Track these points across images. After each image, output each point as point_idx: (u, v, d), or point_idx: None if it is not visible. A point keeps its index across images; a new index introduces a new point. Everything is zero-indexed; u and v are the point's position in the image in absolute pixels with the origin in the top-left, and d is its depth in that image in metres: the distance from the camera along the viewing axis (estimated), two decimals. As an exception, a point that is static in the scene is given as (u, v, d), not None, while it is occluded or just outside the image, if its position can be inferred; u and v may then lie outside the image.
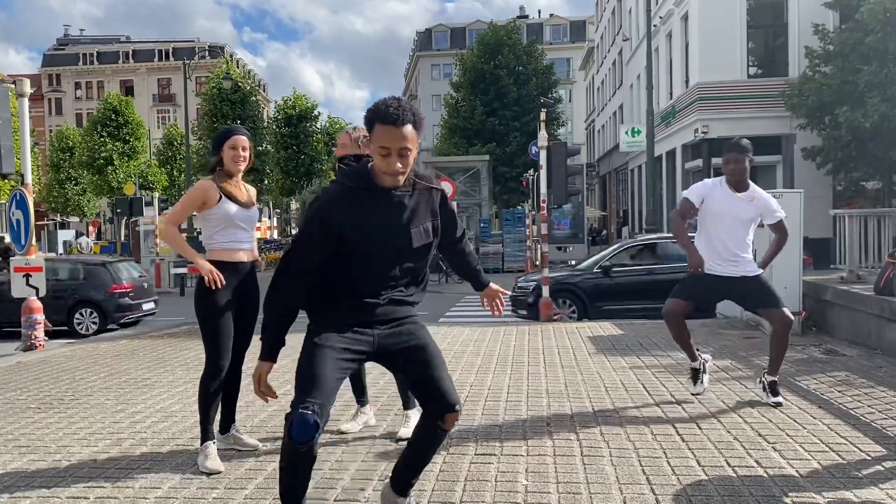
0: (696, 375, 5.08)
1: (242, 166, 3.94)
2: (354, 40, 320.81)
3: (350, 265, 2.67)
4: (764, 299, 4.80)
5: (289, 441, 2.55)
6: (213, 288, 3.75)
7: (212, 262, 3.82)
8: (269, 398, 2.71)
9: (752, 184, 4.86)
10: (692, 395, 5.06)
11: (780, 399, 4.80)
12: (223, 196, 3.86)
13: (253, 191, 4.11)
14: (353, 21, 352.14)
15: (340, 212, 2.62)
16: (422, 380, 2.77)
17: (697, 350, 5.08)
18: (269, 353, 2.68)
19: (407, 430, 4.16)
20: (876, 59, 16.09)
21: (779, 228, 4.99)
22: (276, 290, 2.69)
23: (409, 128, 2.54)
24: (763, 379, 4.94)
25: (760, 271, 4.86)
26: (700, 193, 4.90)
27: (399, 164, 2.57)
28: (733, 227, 4.78)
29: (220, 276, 3.77)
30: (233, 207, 3.88)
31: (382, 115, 2.53)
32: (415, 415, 4.08)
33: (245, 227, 3.94)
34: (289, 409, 2.58)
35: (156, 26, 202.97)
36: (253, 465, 3.82)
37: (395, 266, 2.72)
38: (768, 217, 4.88)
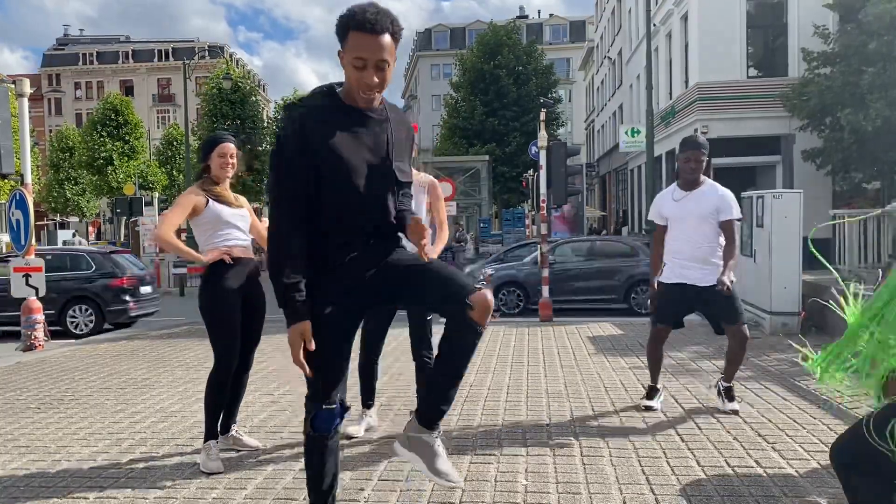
0: (651, 393, 4.91)
1: (230, 173, 3.97)
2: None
3: (330, 199, 2.38)
4: (725, 314, 4.66)
5: (312, 433, 2.46)
6: (222, 274, 3.78)
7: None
8: (305, 370, 2.37)
9: (707, 179, 4.72)
10: (642, 406, 4.84)
11: (735, 406, 4.69)
12: (210, 199, 3.87)
13: (243, 199, 4.12)
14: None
15: (314, 129, 2.33)
16: (432, 286, 2.42)
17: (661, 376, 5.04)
18: (301, 313, 2.32)
19: (358, 428, 4.26)
20: (880, 62, 16.07)
21: (727, 229, 4.60)
22: (277, 230, 2.37)
23: (387, 37, 2.28)
24: (719, 384, 4.84)
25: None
26: (657, 209, 4.88)
27: (376, 79, 2.30)
28: (698, 227, 4.61)
29: (229, 252, 3.82)
30: (221, 207, 3.90)
31: (359, 22, 2.25)
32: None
33: (237, 224, 3.94)
34: (307, 399, 2.46)
35: (150, 25, 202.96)
36: (253, 466, 3.82)
37: (379, 200, 2.44)
38: (723, 213, 4.60)
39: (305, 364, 2.35)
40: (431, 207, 4.12)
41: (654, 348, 4.91)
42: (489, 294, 2.37)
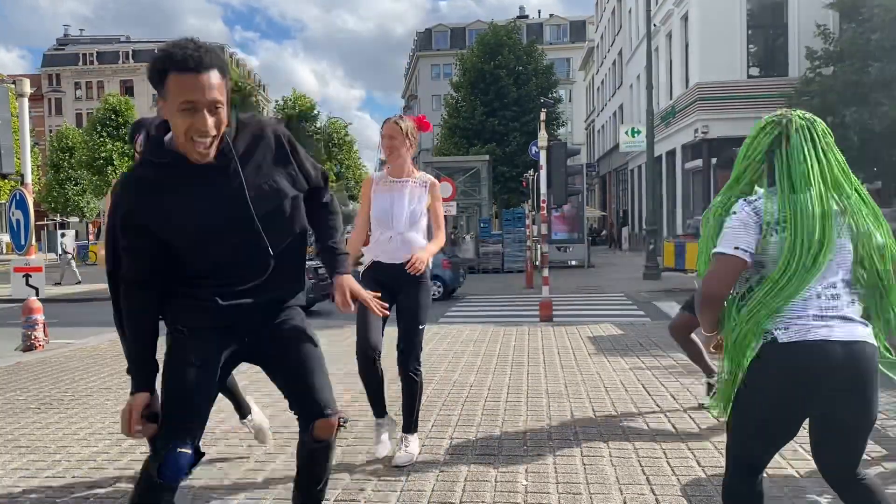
0: (710, 388, 4.85)
1: None
2: (347, 39, 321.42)
3: (186, 267, 2.17)
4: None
5: (153, 480, 2.13)
6: None
7: None
8: (136, 436, 2.15)
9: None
10: (700, 405, 4.85)
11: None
12: None
13: None
14: (345, 19, 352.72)
15: (143, 207, 2.08)
16: (294, 386, 2.36)
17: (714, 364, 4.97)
18: (145, 383, 2.17)
19: (383, 448, 3.88)
20: (885, 56, 16.03)
21: None
22: (121, 314, 2.19)
23: (215, 74, 1.98)
24: (707, 381, 4.88)
25: None
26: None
27: (210, 122, 1.99)
28: None
29: None
30: None
31: (179, 61, 1.94)
32: (414, 440, 3.92)
33: None
34: (154, 443, 2.16)
35: (146, 25, 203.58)
36: (253, 466, 3.82)
37: (243, 252, 2.17)
38: None
39: (135, 433, 2.13)
40: (429, 208, 3.93)
41: (680, 340, 4.82)
42: (334, 421, 2.37)
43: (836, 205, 2.13)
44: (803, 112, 2.26)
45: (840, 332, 2.07)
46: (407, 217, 3.78)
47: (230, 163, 2.10)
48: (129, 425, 2.10)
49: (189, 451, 2.14)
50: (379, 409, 3.91)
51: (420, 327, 3.83)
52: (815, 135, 2.18)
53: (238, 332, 2.28)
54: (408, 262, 3.60)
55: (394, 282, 3.76)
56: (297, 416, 2.38)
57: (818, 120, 2.24)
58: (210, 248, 2.13)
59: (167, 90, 1.98)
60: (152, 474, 2.13)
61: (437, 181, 3.97)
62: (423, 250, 3.69)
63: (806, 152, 2.15)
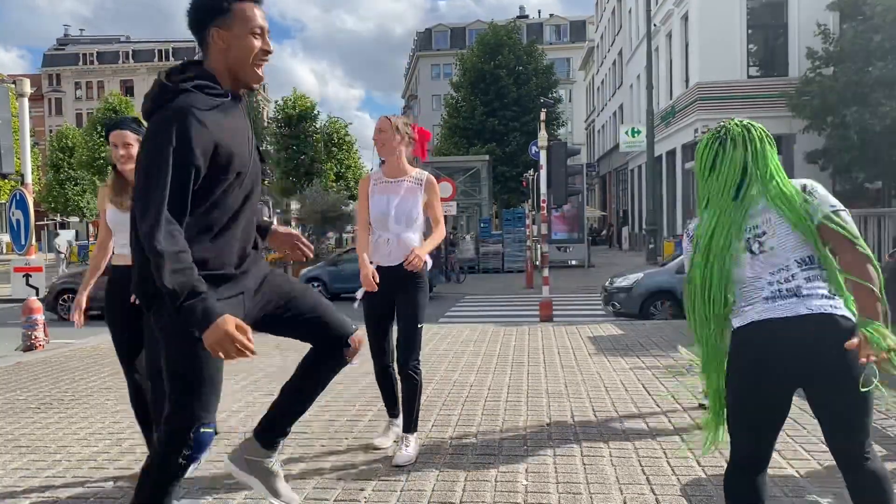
0: None
1: (124, 166, 3.54)
2: (347, 39, 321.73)
3: (214, 220, 2.14)
4: None
5: (184, 456, 2.14)
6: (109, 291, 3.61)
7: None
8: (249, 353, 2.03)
9: None
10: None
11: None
12: (109, 200, 3.64)
13: None
14: (344, 19, 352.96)
15: (214, 127, 2.08)
16: (311, 319, 2.45)
17: None
18: (217, 309, 2.00)
19: (385, 440, 4.05)
20: (887, 56, 16.01)
21: None
22: (167, 254, 1.97)
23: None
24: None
25: None
26: None
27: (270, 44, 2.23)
28: None
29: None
30: (110, 211, 3.62)
31: None
32: (414, 439, 3.89)
33: (122, 229, 3.54)
34: (186, 419, 2.14)
35: (145, 25, 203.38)
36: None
37: (253, 199, 2.28)
38: None
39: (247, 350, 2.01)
40: (427, 205, 3.88)
41: None
42: (364, 335, 2.51)
43: (761, 201, 2.19)
44: (741, 120, 2.34)
45: (784, 309, 2.12)
46: (403, 218, 3.78)
47: (241, 102, 2.27)
48: (245, 343, 1.99)
49: (212, 431, 2.19)
50: (393, 410, 4.08)
51: (418, 326, 3.83)
52: (747, 140, 2.25)
53: (246, 300, 2.28)
54: (405, 261, 3.63)
55: (393, 283, 3.77)
56: (320, 347, 2.51)
57: (756, 125, 2.30)
58: (241, 189, 2.18)
59: (235, 18, 2.13)
60: (175, 453, 2.13)
61: (433, 177, 3.91)
62: (421, 248, 3.71)
63: (737, 159, 2.24)
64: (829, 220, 2.13)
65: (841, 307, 2.12)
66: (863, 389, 2.08)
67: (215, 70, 2.18)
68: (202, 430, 2.14)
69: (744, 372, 2.20)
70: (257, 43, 2.17)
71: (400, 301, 3.82)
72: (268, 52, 2.21)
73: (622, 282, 11.29)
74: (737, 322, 2.22)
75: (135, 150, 3.47)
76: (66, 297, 13.44)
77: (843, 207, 2.17)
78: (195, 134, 2.02)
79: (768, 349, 2.14)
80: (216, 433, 2.20)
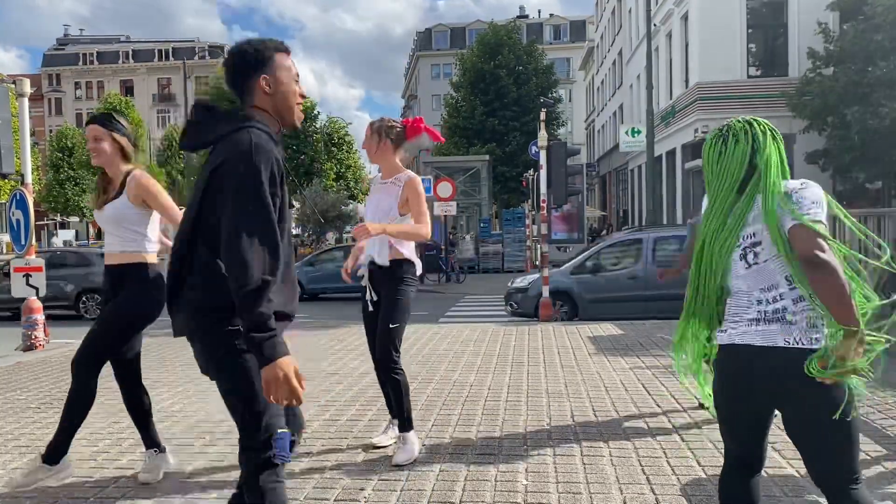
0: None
1: (95, 160, 3.52)
2: (346, 38, 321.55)
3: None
4: None
5: (278, 461, 2.18)
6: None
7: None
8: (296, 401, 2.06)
9: None
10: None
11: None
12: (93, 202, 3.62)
13: (134, 183, 3.47)
14: (343, 19, 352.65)
15: (281, 162, 2.24)
16: None
17: None
18: (285, 349, 2.06)
19: (385, 439, 4.09)
20: (889, 55, 15.99)
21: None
22: (272, 284, 2.03)
23: None
24: None
25: None
26: None
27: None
28: None
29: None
30: (97, 213, 3.60)
31: (279, 45, 2.33)
32: (411, 438, 3.90)
33: (108, 229, 3.56)
34: (271, 426, 2.17)
35: (144, 25, 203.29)
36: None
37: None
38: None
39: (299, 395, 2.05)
40: (407, 203, 3.85)
41: None
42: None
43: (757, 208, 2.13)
44: (744, 116, 2.30)
45: (763, 337, 2.09)
46: (378, 217, 3.84)
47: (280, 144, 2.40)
48: (299, 389, 2.02)
49: (286, 430, 2.23)
50: (394, 409, 4.09)
51: (392, 325, 3.81)
52: (749, 134, 2.22)
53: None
54: (389, 265, 3.79)
55: (382, 283, 3.89)
56: None
57: (760, 120, 2.25)
58: (287, 234, 2.25)
59: (277, 66, 2.29)
60: (268, 456, 2.14)
61: (416, 177, 3.94)
62: (379, 226, 3.62)
63: (738, 155, 2.20)
64: (797, 223, 2.01)
65: (822, 339, 2.04)
66: (834, 418, 2.02)
67: (271, 109, 2.34)
68: (278, 431, 2.18)
69: (724, 388, 2.23)
70: (297, 88, 2.36)
71: (382, 299, 3.90)
72: (303, 97, 2.39)
73: (520, 282, 11.81)
74: (722, 338, 2.20)
75: (104, 144, 3.49)
76: (86, 296, 13.93)
77: (822, 220, 2.03)
78: (276, 168, 2.17)
79: (745, 374, 2.14)
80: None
